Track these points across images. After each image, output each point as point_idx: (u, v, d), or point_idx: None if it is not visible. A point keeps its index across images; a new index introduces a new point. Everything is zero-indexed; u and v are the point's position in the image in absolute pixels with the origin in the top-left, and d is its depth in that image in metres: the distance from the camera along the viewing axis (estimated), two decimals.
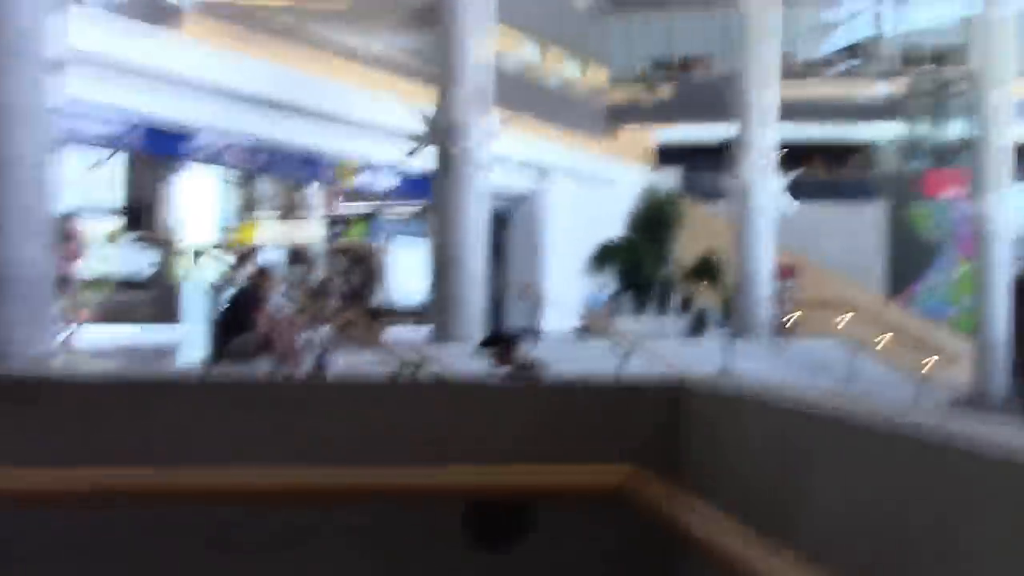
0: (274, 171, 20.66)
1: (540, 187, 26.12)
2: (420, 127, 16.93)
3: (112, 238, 19.34)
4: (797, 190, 24.82)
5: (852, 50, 39.78)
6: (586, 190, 27.00)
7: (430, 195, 17.43)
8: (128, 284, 19.57)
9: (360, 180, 21.93)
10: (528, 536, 2.33)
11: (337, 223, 25.37)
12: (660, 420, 2.44)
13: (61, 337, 11.93)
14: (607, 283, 24.70)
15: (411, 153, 17.51)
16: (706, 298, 25.47)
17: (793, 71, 35.69)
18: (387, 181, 22.32)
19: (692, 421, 2.38)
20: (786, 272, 26.29)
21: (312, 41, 21.84)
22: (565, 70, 29.78)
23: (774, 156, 24.25)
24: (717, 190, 25.56)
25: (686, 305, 24.71)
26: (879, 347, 23.30)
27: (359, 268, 24.12)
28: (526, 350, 9.80)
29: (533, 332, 18.49)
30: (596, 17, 31.05)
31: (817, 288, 26.97)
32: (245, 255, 17.97)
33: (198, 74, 17.29)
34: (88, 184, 18.06)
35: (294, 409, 2.36)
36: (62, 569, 2.24)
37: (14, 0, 8.80)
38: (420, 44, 23.45)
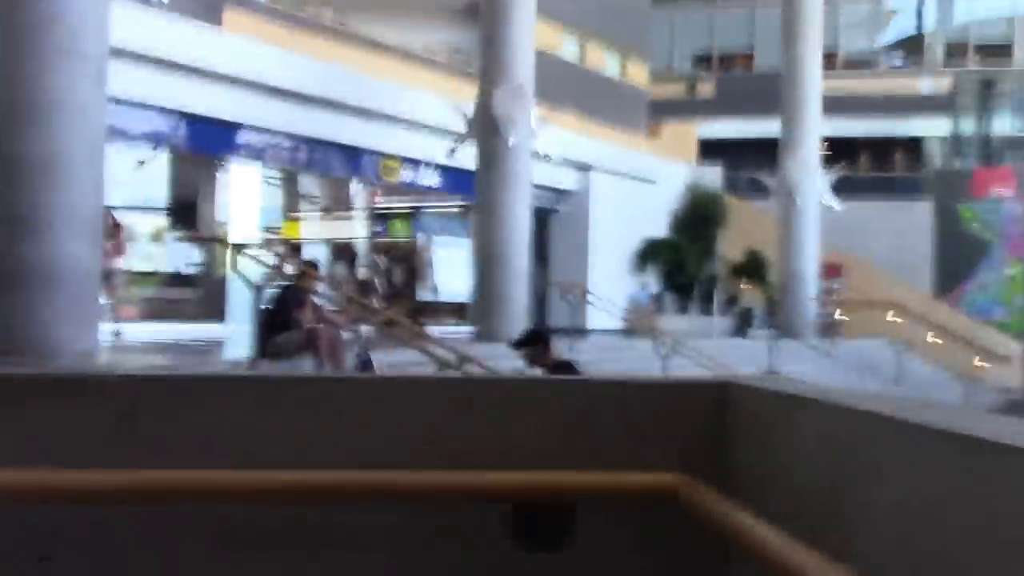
0: (317, 168, 20.74)
1: (583, 184, 26.05)
2: (463, 123, 16.92)
3: (157, 235, 19.50)
4: (843, 187, 24.59)
5: (898, 45, 39.40)
6: (629, 186, 26.89)
7: (473, 192, 17.40)
8: (174, 281, 19.74)
9: (403, 177, 21.96)
10: (571, 540, 2.28)
11: (380, 220, 25.45)
12: (707, 421, 2.38)
13: (107, 333, 12.03)
14: (651, 281, 24.59)
15: (452, 151, 17.50)
16: (751, 296, 25.29)
17: (838, 66, 35.41)
18: (430, 177, 22.34)
19: (741, 423, 2.30)
20: (832, 271, 26.06)
21: (355, 37, 21.91)
22: (607, 66, 29.68)
23: (820, 152, 24.03)
24: (761, 186, 25.38)
25: (731, 303, 24.54)
26: (927, 347, 23.03)
27: (402, 265, 24.19)
28: (560, 350, 9.59)
29: (577, 331, 18.43)
30: (638, 12, 30.90)
31: (864, 287, 26.71)
32: (288, 252, 18.06)
33: (242, 71, 17.39)
34: (134, 181, 18.21)
35: (335, 408, 2.33)
36: (98, 567, 2.22)
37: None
38: (462, 40, 23.47)
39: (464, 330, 17.22)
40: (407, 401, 2.35)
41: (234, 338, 15.22)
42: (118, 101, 13.13)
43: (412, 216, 25.43)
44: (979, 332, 26.93)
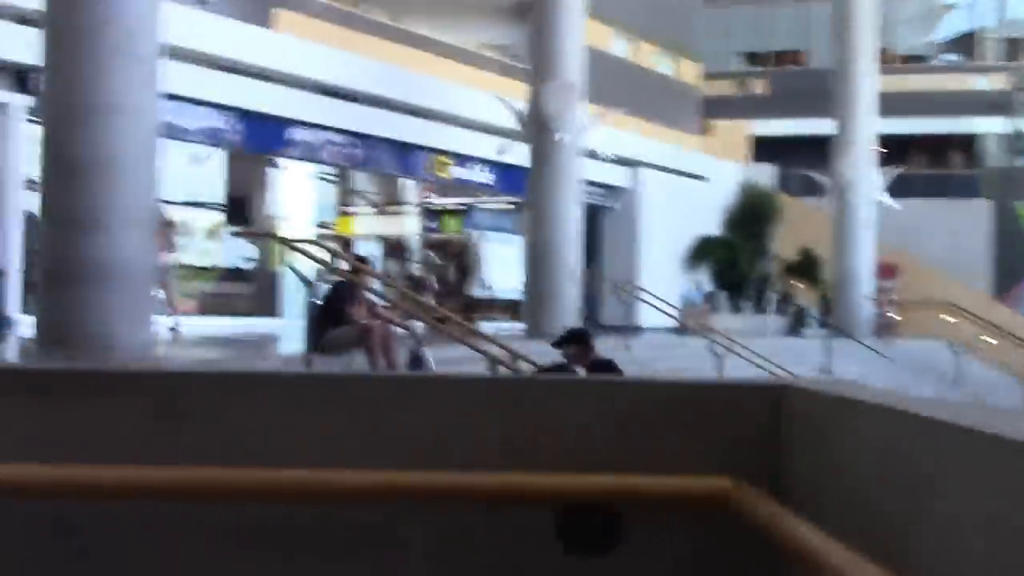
0: (370, 165, 20.86)
1: (634, 181, 25.95)
2: (514, 121, 16.93)
3: (213, 232, 19.71)
4: (899, 186, 24.29)
5: (953, 41, 38.86)
6: (680, 184, 26.75)
7: (525, 189, 17.40)
8: (229, 276, 19.95)
9: (455, 173, 22.02)
10: (619, 544, 2.25)
11: (432, 216, 25.52)
12: (761, 425, 2.33)
13: (163, 328, 12.18)
14: (703, 279, 24.45)
15: (502, 149, 17.52)
16: (804, 296, 25.07)
17: (892, 63, 34.97)
18: (482, 174, 22.38)
19: (796, 427, 2.26)
20: (887, 270, 25.74)
21: (407, 36, 21.99)
22: (658, 63, 29.54)
23: (875, 151, 23.75)
24: (815, 185, 25.14)
25: (784, 302, 24.33)
26: (984, 348, 22.67)
27: (454, 262, 24.22)
28: (600, 349, 9.51)
29: (629, 328, 18.36)
30: (689, 9, 30.72)
31: (919, 286, 26.36)
32: (342, 248, 18.16)
33: (296, 70, 17.54)
34: (191, 178, 18.43)
35: (382, 407, 2.32)
36: (136, 563, 2.23)
37: (121, 1, 8.97)
38: (514, 38, 23.47)
39: (516, 327, 17.23)
40: (454, 400, 2.33)
41: (288, 333, 15.35)
42: (175, 99, 13.30)
43: (464, 213, 25.48)
44: None
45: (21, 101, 13.76)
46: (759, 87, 38.40)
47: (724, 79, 37.06)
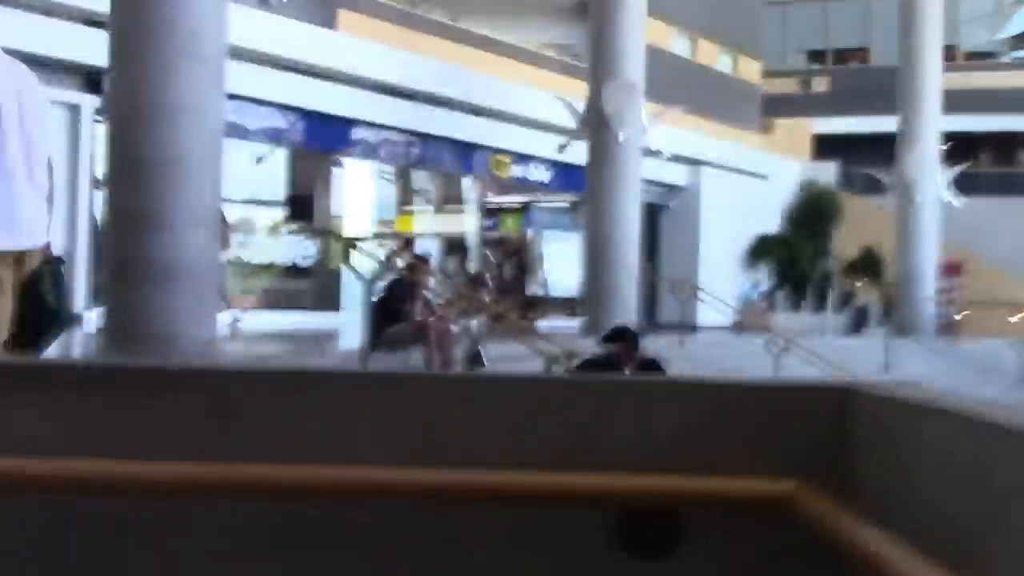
0: (429, 164, 20.97)
1: (695, 180, 25.80)
2: (573, 120, 16.92)
3: (274, 229, 19.92)
4: (963, 184, 23.93)
5: (1021, 38, 38.19)
6: (741, 182, 26.55)
7: (584, 187, 17.38)
8: (291, 272, 20.16)
9: (514, 172, 22.05)
10: (678, 547, 2.22)
11: (491, 215, 25.57)
12: (825, 427, 2.28)
13: (226, 324, 12.32)
14: (763, 277, 24.26)
15: (562, 147, 17.51)
16: (866, 295, 24.78)
17: (959, 60, 34.44)
18: (541, 173, 22.39)
19: (863, 430, 2.21)
20: (952, 269, 25.36)
21: (466, 35, 22.06)
22: (719, 61, 29.34)
23: (939, 148, 23.42)
24: (877, 183, 24.84)
25: (845, 301, 24.07)
26: None
27: (513, 259, 24.26)
28: (654, 347, 9.47)
29: (687, 327, 18.27)
30: (750, 7, 30.48)
31: (985, 286, 25.94)
32: (401, 246, 18.28)
33: (357, 70, 17.65)
34: (254, 176, 18.64)
35: (438, 404, 2.30)
36: (187, 561, 2.23)
37: (186, 2, 9.09)
38: (573, 37, 23.45)
39: (574, 324, 17.21)
40: (508, 400, 2.31)
41: (347, 328, 15.48)
42: (239, 99, 13.45)
43: (523, 211, 25.50)
44: None
45: (92, 102, 13.95)
46: (821, 84, 38.00)
47: (786, 77, 36.73)
